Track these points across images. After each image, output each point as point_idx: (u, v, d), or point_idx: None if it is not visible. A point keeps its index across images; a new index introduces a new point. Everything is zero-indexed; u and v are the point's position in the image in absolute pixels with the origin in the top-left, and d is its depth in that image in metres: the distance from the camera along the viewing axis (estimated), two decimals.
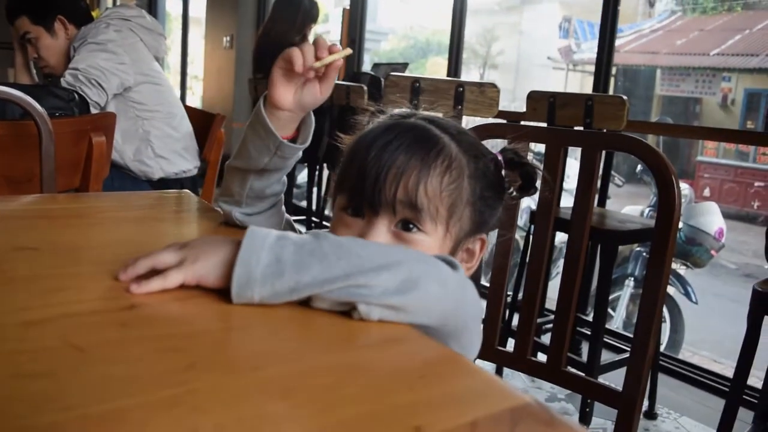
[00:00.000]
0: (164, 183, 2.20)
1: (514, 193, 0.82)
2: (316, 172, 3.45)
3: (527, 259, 1.20)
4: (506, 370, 2.19)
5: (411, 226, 0.72)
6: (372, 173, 0.71)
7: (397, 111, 0.82)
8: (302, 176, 4.44)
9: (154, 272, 0.58)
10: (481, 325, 0.70)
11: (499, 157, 0.80)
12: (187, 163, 2.25)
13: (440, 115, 0.82)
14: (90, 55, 2.07)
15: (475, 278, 0.80)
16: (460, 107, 1.98)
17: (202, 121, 2.31)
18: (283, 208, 0.90)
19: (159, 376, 0.43)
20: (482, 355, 1.15)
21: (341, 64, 0.79)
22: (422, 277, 0.56)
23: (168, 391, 0.41)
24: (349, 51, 0.79)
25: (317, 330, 0.54)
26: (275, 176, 0.85)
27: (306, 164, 3.51)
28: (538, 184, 0.83)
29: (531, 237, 2.17)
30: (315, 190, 3.51)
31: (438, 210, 0.72)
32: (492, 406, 0.43)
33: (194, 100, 6.91)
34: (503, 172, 0.80)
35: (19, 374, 0.42)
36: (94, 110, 1.97)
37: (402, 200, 0.71)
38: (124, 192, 1.26)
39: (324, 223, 3.63)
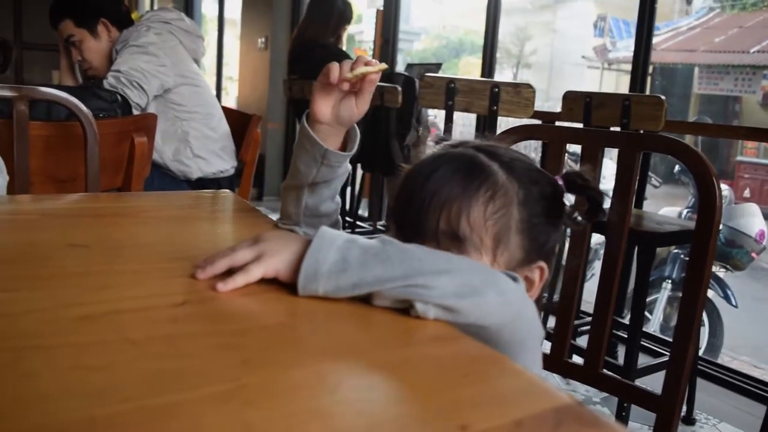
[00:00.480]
0: (202, 183, 2.24)
1: (579, 219, 0.80)
2: (350, 172, 3.47)
3: (563, 261, 1.20)
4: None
5: None
6: (416, 203, 0.72)
7: (450, 141, 0.82)
8: None
9: (230, 270, 0.61)
10: (542, 349, 0.70)
11: (560, 182, 0.79)
12: (224, 163, 2.28)
13: (495, 143, 0.81)
14: (131, 57, 2.11)
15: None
16: (495, 108, 1.98)
17: (239, 122, 2.35)
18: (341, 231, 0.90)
19: (212, 371, 0.44)
20: None
21: (377, 78, 0.80)
22: (481, 284, 0.58)
23: (221, 386, 0.42)
24: (384, 66, 0.80)
25: (364, 329, 0.56)
26: (326, 191, 0.86)
27: None
28: (606, 207, 0.82)
29: (567, 239, 2.15)
30: (349, 189, 3.53)
31: (482, 240, 0.72)
32: (536, 406, 0.44)
33: (229, 101, 6.99)
34: (565, 197, 0.79)
35: (78, 366, 0.44)
36: (135, 111, 2.02)
37: (444, 231, 0.71)
38: (164, 192, 1.29)
39: (358, 223, 3.64)
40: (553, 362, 1.12)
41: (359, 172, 3.50)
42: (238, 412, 0.39)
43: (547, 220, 0.77)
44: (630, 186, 1.08)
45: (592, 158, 1.12)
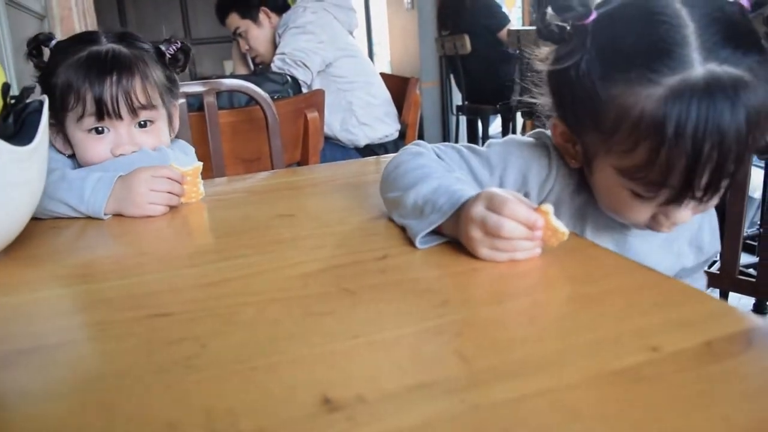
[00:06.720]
0: (370, 149, 2.36)
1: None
2: (510, 123, 3.44)
3: None
4: None
5: None
6: (709, 161, 0.59)
7: None
8: (495, 126, 4.45)
9: None
10: None
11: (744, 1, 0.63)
12: (388, 128, 2.38)
13: None
14: (293, 39, 2.26)
15: None
16: None
17: (397, 86, 2.43)
18: None
19: (420, 311, 0.51)
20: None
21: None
22: None
23: (431, 322, 0.49)
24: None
25: (552, 268, 0.60)
26: None
27: (499, 114, 3.51)
28: None
29: None
30: None
31: None
32: (726, 328, 0.46)
33: (382, 66, 7.14)
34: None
35: (310, 313, 0.53)
36: (303, 89, 2.16)
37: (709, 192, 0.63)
38: (342, 161, 1.39)
39: None
40: (724, 280, 1.10)
41: (519, 120, 3.46)
42: (450, 342, 0.46)
43: None
44: None
45: None
